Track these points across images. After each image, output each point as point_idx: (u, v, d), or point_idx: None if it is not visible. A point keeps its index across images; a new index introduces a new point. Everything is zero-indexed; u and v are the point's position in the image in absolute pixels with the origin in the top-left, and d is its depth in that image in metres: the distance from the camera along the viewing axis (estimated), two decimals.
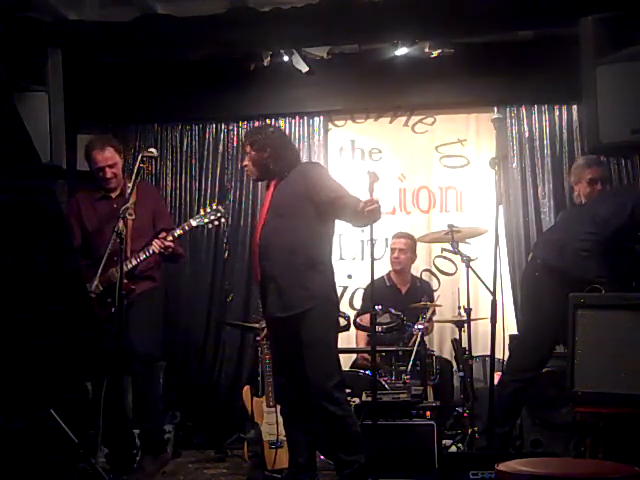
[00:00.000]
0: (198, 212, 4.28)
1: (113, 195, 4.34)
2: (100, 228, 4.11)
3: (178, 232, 4.16)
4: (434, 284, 5.82)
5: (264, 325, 4.41)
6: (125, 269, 4.06)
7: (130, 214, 4.16)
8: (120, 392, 4.01)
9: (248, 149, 3.78)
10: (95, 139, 4.44)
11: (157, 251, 4.12)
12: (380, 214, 3.44)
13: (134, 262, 4.14)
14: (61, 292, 3.89)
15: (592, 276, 3.82)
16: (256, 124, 6.06)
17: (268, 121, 6.06)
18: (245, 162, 3.81)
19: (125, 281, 4.07)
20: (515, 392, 4.09)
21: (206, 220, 4.16)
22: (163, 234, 4.17)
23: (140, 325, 4.15)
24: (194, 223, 4.17)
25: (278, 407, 4.35)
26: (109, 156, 4.25)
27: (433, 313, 5.26)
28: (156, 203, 4.48)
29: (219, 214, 4.18)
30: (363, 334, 5.31)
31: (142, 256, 4.13)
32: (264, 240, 3.63)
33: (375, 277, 5.33)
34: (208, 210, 4.19)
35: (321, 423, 3.55)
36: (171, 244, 4.13)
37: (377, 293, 5.18)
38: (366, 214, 3.36)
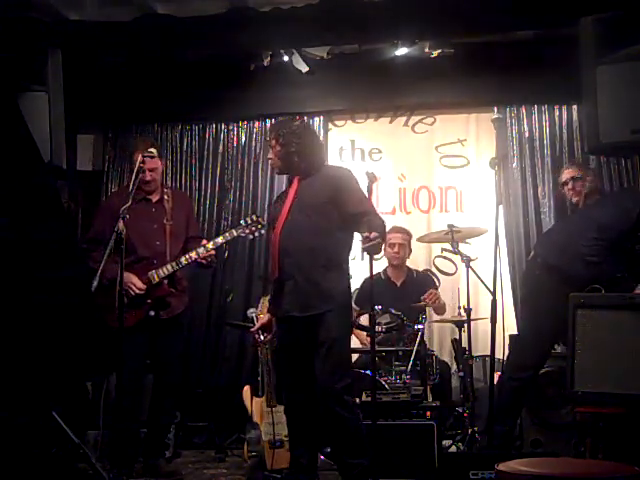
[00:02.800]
0: (239, 222, 4.36)
1: (153, 199, 4.42)
2: (138, 229, 4.16)
3: (220, 241, 4.24)
4: (432, 278, 5.81)
5: (252, 314, 4.44)
6: (166, 272, 4.25)
7: (168, 219, 4.30)
8: (123, 391, 4.04)
9: (273, 143, 3.75)
10: (138, 141, 4.54)
11: (198, 259, 4.23)
12: (379, 250, 3.52)
13: (175, 267, 4.25)
14: (60, 291, 3.90)
15: (605, 278, 3.81)
16: (256, 124, 6.08)
17: (268, 121, 6.08)
18: (270, 155, 3.80)
19: (165, 282, 4.26)
20: (514, 391, 4.10)
21: (247, 231, 4.25)
22: (204, 242, 4.28)
23: (176, 356, 4.44)
24: (236, 233, 4.26)
25: (278, 407, 4.38)
26: (151, 159, 4.30)
27: (437, 297, 5.22)
28: (189, 210, 4.63)
29: (259, 225, 4.27)
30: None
31: (183, 262, 4.24)
32: (286, 236, 3.59)
33: (374, 273, 5.43)
34: (249, 221, 4.26)
35: (327, 424, 3.54)
36: (213, 252, 4.21)
37: (375, 284, 5.24)
38: (364, 250, 3.39)
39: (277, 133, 3.75)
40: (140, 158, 3.99)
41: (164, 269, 4.26)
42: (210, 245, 4.23)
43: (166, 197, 4.40)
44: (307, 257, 3.55)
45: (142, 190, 4.34)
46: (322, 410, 3.52)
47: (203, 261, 4.27)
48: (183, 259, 4.24)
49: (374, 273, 5.34)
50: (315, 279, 3.54)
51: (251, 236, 4.32)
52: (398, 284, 5.44)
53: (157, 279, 4.24)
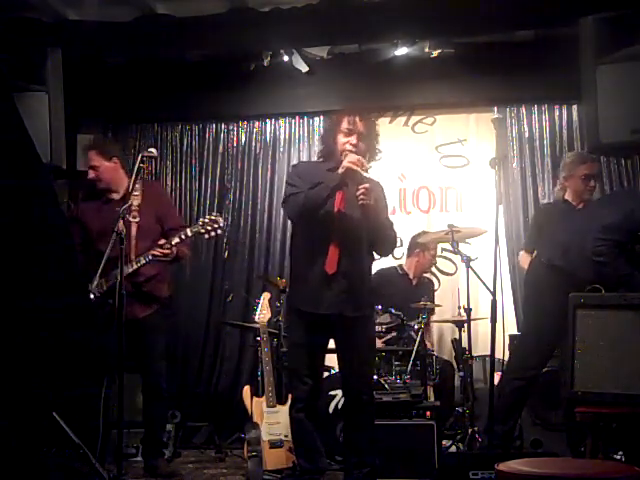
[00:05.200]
0: (197, 220, 4.27)
1: (116, 197, 4.34)
2: (104, 232, 4.11)
3: (176, 240, 4.15)
4: (434, 284, 5.83)
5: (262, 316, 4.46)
6: (126, 272, 4.07)
7: (135, 216, 4.19)
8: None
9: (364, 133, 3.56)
10: (90, 140, 4.48)
11: (157, 258, 4.12)
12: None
13: (135, 266, 4.14)
14: (62, 292, 3.90)
15: (612, 278, 3.81)
16: (256, 124, 6.08)
17: (268, 121, 6.08)
18: (355, 142, 3.51)
19: (126, 282, 4.09)
20: (516, 390, 4.09)
21: (202, 230, 4.13)
22: (162, 241, 4.17)
23: (155, 358, 4.35)
24: (190, 233, 4.14)
25: (278, 407, 4.38)
26: (91, 158, 4.28)
27: (432, 312, 5.29)
28: (161, 203, 4.46)
29: (216, 225, 4.15)
30: None
31: (142, 261, 4.13)
32: (343, 235, 3.48)
33: (387, 267, 5.52)
34: (206, 220, 4.16)
35: (357, 422, 3.55)
36: (169, 251, 4.13)
37: (389, 277, 5.41)
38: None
39: (368, 122, 3.58)
40: (139, 158, 3.98)
41: (125, 269, 4.05)
42: (167, 245, 4.12)
43: (136, 192, 4.23)
44: (358, 259, 3.52)
45: (104, 192, 4.30)
46: (360, 406, 3.53)
47: (164, 258, 4.15)
48: (142, 258, 4.12)
49: (388, 267, 5.55)
50: (362, 282, 3.52)
51: (207, 236, 4.18)
52: (414, 283, 5.48)
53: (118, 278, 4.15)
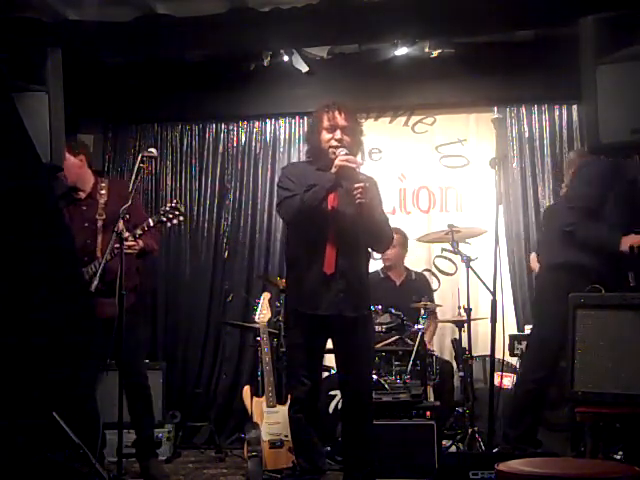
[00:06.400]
0: (158, 210, 4.17)
1: (82, 196, 4.26)
2: (74, 231, 4.08)
3: (138, 232, 4.05)
4: (434, 284, 5.82)
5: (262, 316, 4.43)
6: (93, 270, 4.05)
7: (100, 214, 4.15)
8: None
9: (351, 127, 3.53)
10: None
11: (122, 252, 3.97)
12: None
13: (101, 264, 3.93)
14: (62, 293, 3.89)
15: (590, 246, 3.84)
16: (256, 124, 6.09)
17: (268, 121, 6.08)
18: (344, 137, 3.49)
19: (100, 284, 3.92)
20: (528, 393, 4.05)
21: (164, 219, 4.04)
22: (126, 234, 4.01)
23: (130, 357, 4.09)
24: (152, 223, 4.05)
25: (278, 407, 4.38)
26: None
27: (433, 313, 5.30)
28: (125, 200, 4.09)
29: (177, 212, 4.06)
30: None
31: (108, 257, 3.94)
32: (342, 235, 3.45)
33: (371, 272, 5.45)
34: (167, 208, 4.07)
35: (358, 422, 3.52)
36: (134, 243, 4.05)
37: (373, 282, 5.27)
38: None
39: (348, 115, 3.53)
40: (139, 158, 3.96)
41: (91, 267, 4.09)
42: (130, 239, 4.02)
43: (103, 191, 4.21)
44: (356, 258, 3.49)
45: (69, 193, 4.24)
46: (360, 407, 3.51)
47: (129, 251, 4.02)
48: (108, 255, 3.94)
49: (372, 271, 5.44)
50: (359, 281, 3.50)
51: (169, 224, 4.09)
52: (397, 283, 5.45)
53: (87, 277, 4.06)
